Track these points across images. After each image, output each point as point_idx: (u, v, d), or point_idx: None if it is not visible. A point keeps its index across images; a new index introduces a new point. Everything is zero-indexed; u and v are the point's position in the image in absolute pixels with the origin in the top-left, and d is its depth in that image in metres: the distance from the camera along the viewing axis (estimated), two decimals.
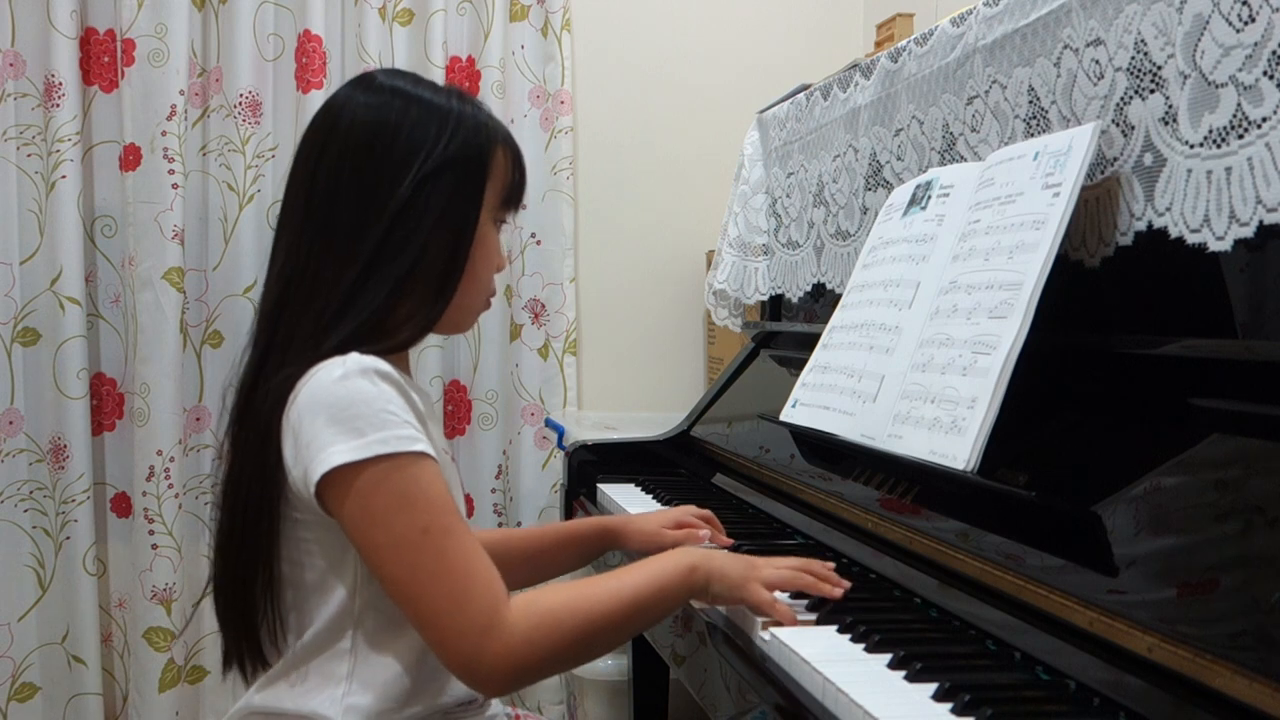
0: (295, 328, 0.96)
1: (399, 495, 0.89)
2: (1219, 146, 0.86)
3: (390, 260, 0.97)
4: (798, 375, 1.45)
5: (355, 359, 0.92)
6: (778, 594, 1.02)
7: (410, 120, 0.99)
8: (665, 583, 0.97)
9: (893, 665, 0.87)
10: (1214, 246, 0.86)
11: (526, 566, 1.27)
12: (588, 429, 2.10)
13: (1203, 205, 0.87)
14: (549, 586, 0.97)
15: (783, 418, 1.43)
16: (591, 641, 0.94)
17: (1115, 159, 1.01)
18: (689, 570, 0.99)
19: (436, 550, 0.88)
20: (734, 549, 1.26)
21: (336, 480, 0.89)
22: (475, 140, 1.01)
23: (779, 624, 0.98)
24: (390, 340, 0.99)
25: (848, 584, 1.03)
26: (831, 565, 1.06)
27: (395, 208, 0.97)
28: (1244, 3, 0.82)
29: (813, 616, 1.00)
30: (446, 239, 1.00)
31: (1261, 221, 0.81)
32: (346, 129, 1.00)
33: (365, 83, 1.04)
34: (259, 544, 0.95)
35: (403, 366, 1.04)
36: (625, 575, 0.98)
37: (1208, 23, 0.86)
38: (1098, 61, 1.04)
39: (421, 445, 0.91)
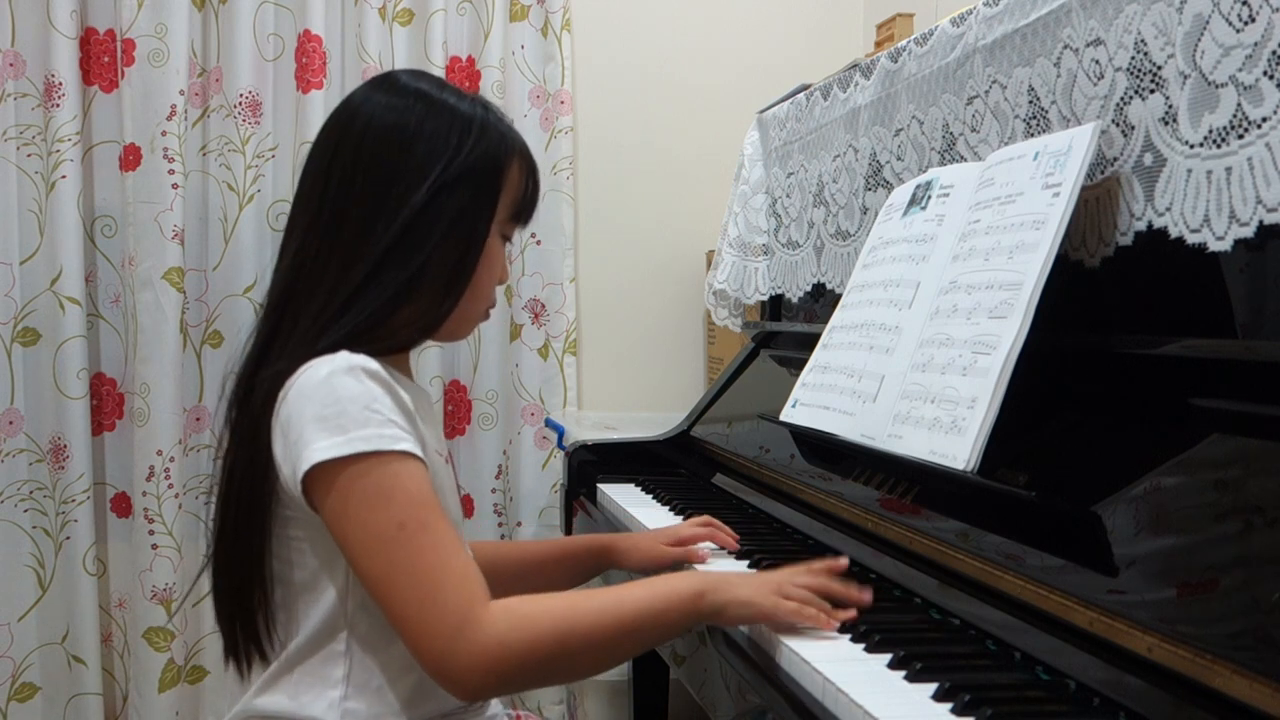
0: (296, 323, 0.96)
1: (377, 491, 0.88)
2: (1219, 146, 0.86)
3: (397, 265, 0.96)
4: (798, 375, 1.45)
5: (344, 357, 0.92)
6: None
7: (431, 126, 0.98)
8: (667, 607, 0.94)
9: (893, 665, 0.87)
10: (1214, 246, 0.86)
11: (517, 581, 1.25)
12: (588, 429, 2.10)
13: (1203, 205, 0.87)
14: (538, 595, 0.93)
15: (783, 418, 1.43)
16: (575, 655, 0.91)
17: (1115, 159, 1.01)
18: (695, 596, 0.95)
19: (412, 546, 0.88)
20: (740, 555, 1.26)
21: (320, 477, 0.89)
22: (494, 152, 1.00)
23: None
24: (387, 342, 0.98)
25: (869, 594, 1.00)
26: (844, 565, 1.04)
27: (408, 214, 0.96)
28: (1244, 3, 0.82)
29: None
30: (454, 248, 0.99)
31: (1261, 221, 0.81)
32: (364, 128, 0.99)
33: (388, 83, 1.03)
34: (251, 539, 0.95)
35: (401, 366, 1.03)
36: (624, 592, 0.95)
37: (1208, 23, 0.86)
38: (1098, 61, 1.04)
39: (405, 444, 0.90)
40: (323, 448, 0.88)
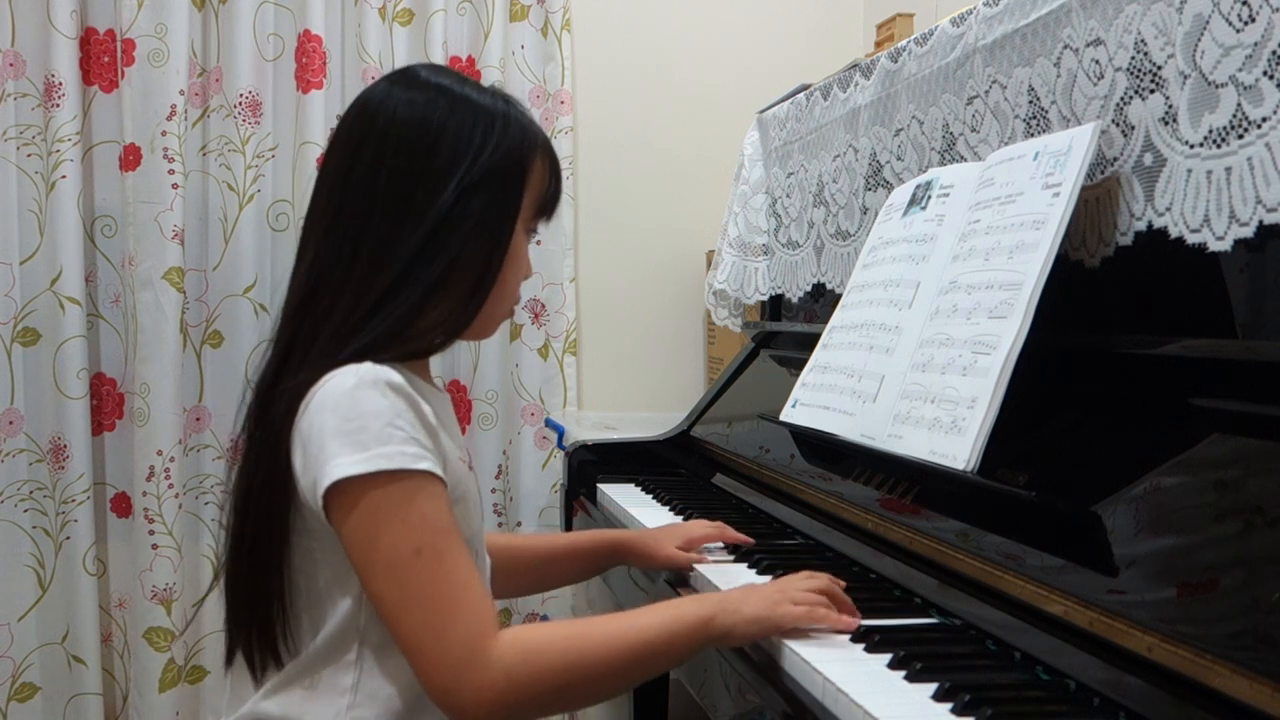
0: (319, 329, 0.94)
1: (396, 514, 0.87)
2: (1219, 146, 0.86)
3: (424, 268, 0.94)
4: (798, 375, 1.45)
5: (369, 369, 0.90)
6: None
7: (456, 122, 0.96)
8: (675, 634, 0.92)
9: (893, 665, 0.87)
10: (1214, 246, 0.86)
11: (532, 576, 1.26)
12: (588, 429, 2.10)
13: (1203, 205, 0.87)
14: (546, 624, 0.93)
15: (783, 418, 1.43)
16: (584, 684, 0.90)
17: (1115, 159, 1.01)
18: (706, 621, 0.93)
19: (426, 573, 0.87)
20: (741, 557, 1.26)
21: (340, 493, 0.88)
22: (519, 148, 0.98)
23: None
24: (414, 345, 0.97)
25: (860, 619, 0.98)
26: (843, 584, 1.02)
27: (436, 216, 0.94)
28: (1244, 3, 0.82)
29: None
30: (481, 248, 0.97)
31: (1261, 221, 0.81)
32: (386, 126, 0.96)
33: (407, 78, 1.00)
34: (271, 549, 0.94)
35: (422, 371, 1.02)
36: (630, 620, 0.93)
37: (1208, 23, 0.86)
38: (1098, 61, 1.04)
39: (426, 464, 0.89)
40: (344, 464, 0.87)
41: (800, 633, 0.95)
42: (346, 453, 0.87)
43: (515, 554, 1.23)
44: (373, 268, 0.94)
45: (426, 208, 0.95)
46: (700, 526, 1.30)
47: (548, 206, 1.05)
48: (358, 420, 0.88)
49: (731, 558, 1.26)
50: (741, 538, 1.28)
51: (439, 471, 0.90)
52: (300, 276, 0.98)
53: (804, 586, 0.98)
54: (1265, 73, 0.81)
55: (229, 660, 0.99)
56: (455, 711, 0.88)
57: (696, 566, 1.22)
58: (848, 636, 0.94)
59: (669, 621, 0.93)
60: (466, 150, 0.96)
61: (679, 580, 1.24)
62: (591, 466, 1.84)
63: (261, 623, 0.95)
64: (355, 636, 0.94)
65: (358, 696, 0.94)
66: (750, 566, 1.22)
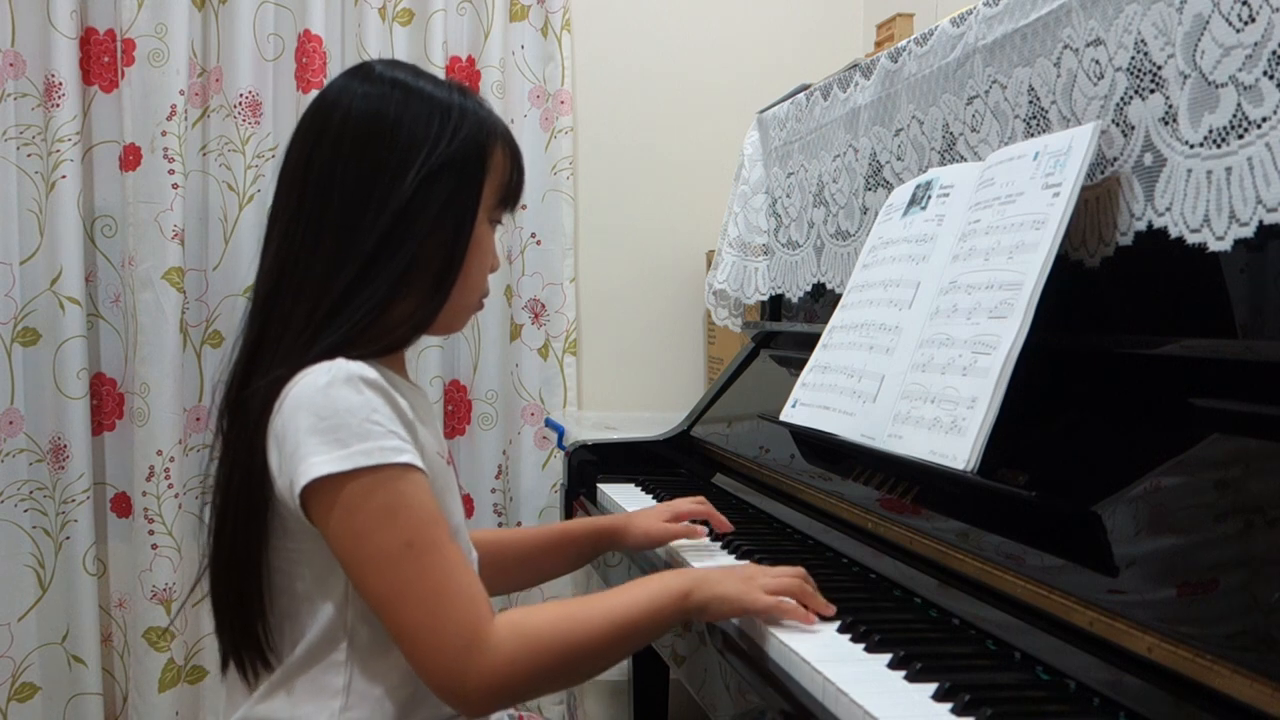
0: (287, 324, 0.94)
1: (382, 508, 0.87)
2: (1219, 146, 0.86)
3: (387, 260, 0.94)
4: (798, 375, 1.45)
5: (341, 365, 0.90)
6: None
7: (411, 114, 0.96)
8: (658, 606, 0.95)
9: (893, 665, 0.87)
10: (1214, 246, 0.86)
11: (522, 568, 1.26)
12: (588, 429, 2.10)
13: (1203, 205, 0.87)
14: (537, 606, 0.96)
15: (783, 418, 1.43)
16: (578, 663, 0.92)
17: (1115, 159, 1.01)
18: (684, 594, 0.96)
19: (419, 565, 0.87)
20: (741, 555, 1.26)
21: (320, 491, 0.87)
22: (476, 138, 0.98)
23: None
24: (383, 341, 0.97)
25: (833, 608, 1.00)
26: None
27: (395, 206, 0.94)
28: (1244, 3, 0.82)
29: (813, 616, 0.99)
30: (443, 239, 0.97)
31: (1261, 221, 0.81)
32: (343, 119, 0.97)
33: (363, 72, 1.00)
34: (250, 551, 0.93)
35: (397, 366, 1.02)
36: (617, 596, 0.96)
37: (1208, 23, 0.86)
38: (1098, 61, 1.04)
39: (407, 456, 0.89)
40: (322, 461, 0.87)
41: (790, 627, 0.96)
42: (324, 450, 0.87)
43: (504, 548, 1.24)
44: (336, 262, 0.94)
45: (386, 200, 0.95)
46: (688, 502, 1.32)
47: (510, 196, 1.04)
48: (334, 418, 0.88)
49: (729, 555, 1.26)
50: (723, 519, 1.30)
51: (419, 463, 0.90)
52: (264, 272, 0.98)
53: (775, 573, 1.01)
54: (1265, 73, 0.81)
55: (224, 666, 0.99)
56: (459, 699, 0.88)
57: (694, 563, 1.22)
58: (848, 636, 0.94)
59: (653, 595, 0.96)
60: (423, 141, 0.96)
61: None
62: (591, 466, 1.84)
63: (245, 626, 0.95)
64: (343, 637, 0.94)
65: (350, 698, 0.93)
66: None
